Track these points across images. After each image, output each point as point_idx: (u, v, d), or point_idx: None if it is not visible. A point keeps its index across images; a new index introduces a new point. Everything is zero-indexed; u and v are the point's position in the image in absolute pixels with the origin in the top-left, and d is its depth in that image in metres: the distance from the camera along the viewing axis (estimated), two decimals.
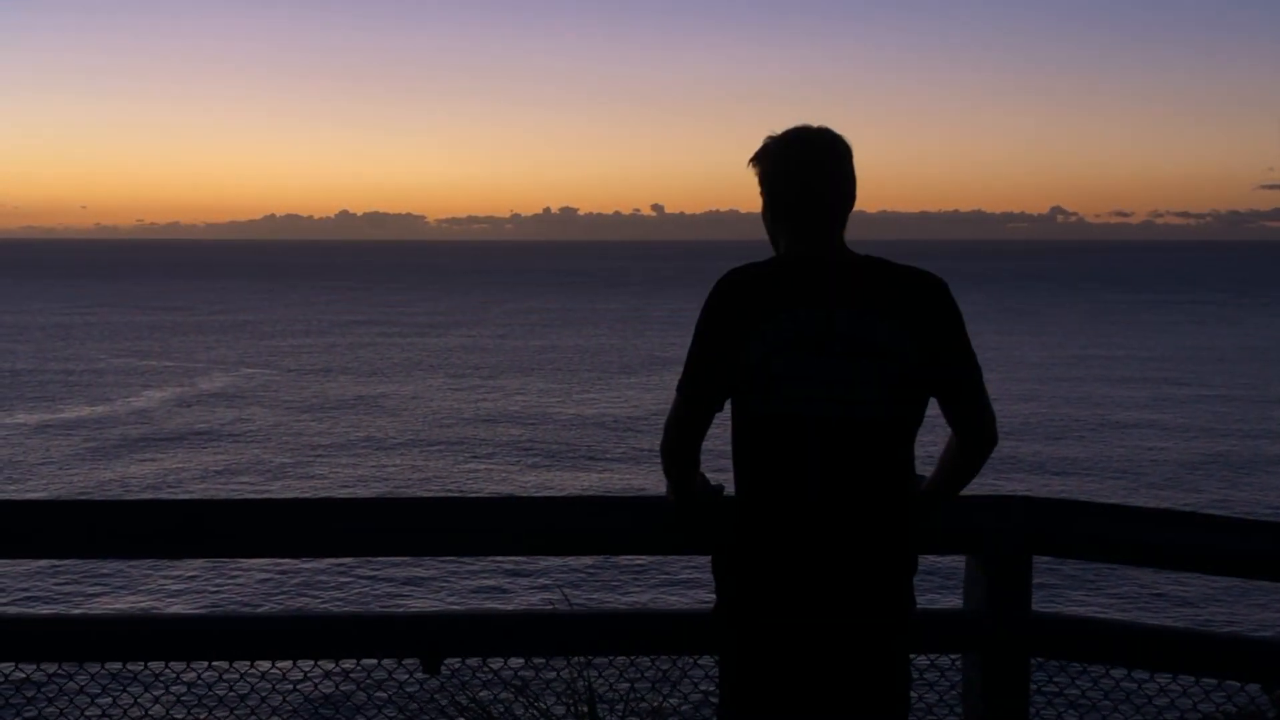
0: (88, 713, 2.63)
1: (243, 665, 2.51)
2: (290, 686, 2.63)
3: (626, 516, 2.54)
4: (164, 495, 17.78)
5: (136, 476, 19.36)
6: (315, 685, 2.65)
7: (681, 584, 12.34)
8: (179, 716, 2.67)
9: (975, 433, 2.26)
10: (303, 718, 2.86)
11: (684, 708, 2.73)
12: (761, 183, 2.33)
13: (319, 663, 2.51)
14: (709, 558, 2.39)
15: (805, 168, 2.27)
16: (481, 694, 2.83)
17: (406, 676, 2.58)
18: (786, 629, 2.20)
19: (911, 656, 2.34)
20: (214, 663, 2.50)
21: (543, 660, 2.62)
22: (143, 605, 12.15)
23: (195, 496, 17.62)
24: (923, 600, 2.34)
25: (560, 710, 2.83)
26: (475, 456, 21.37)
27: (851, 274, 2.22)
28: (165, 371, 34.16)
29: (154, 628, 2.53)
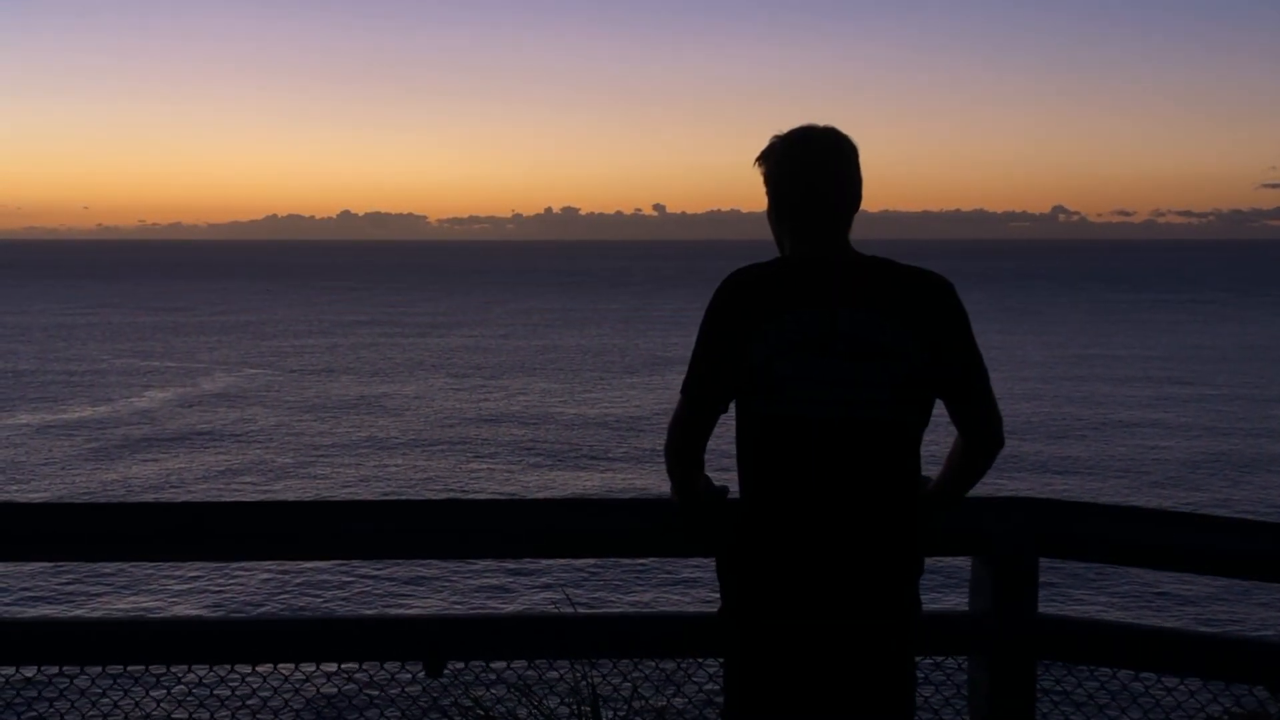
0: (88, 714, 2.62)
1: (244, 668, 2.49)
2: (292, 689, 2.61)
3: (630, 518, 2.53)
4: (166, 496, 17.79)
5: (139, 477, 19.36)
6: (317, 688, 2.64)
7: (685, 585, 12.33)
8: (180, 717, 2.66)
9: (981, 434, 2.25)
10: None
11: (688, 710, 2.72)
12: (767, 182, 2.32)
13: (321, 665, 2.50)
14: (713, 559, 2.37)
15: (810, 168, 2.26)
16: (484, 696, 2.82)
17: (409, 679, 2.57)
18: (791, 630, 2.18)
19: (917, 658, 2.33)
20: (215, 665, 2.48)
21: (546, 663, 2.60)
22: (144, 605, 12.14)
23: (197, 498, 17.62)
24: (928, 602, 2.32)
25: (564, 712, 2.82)
26: (477, 456, 21.36)
27: (856, 274, 2.20)
28: (167, 372, 34.17)
29: (154, 630, 2.52)
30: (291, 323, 53.30)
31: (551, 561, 12.34)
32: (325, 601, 12.30)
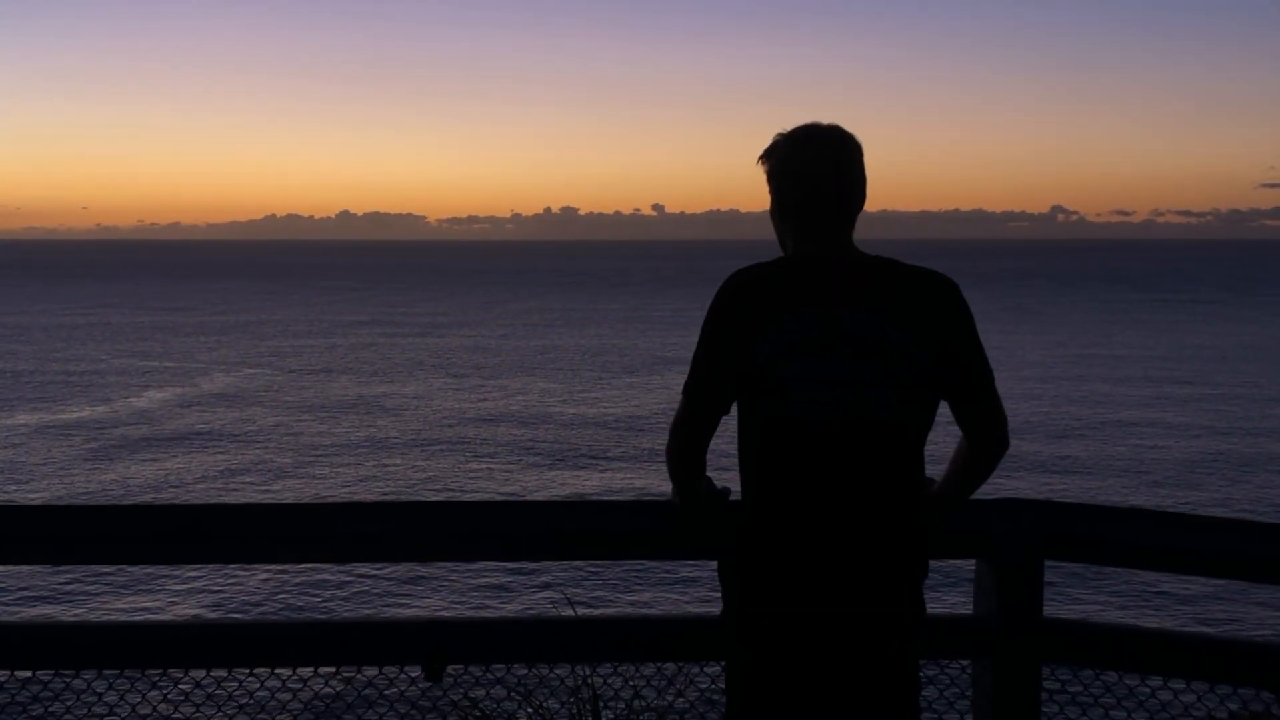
0: (87, 714, 2.60)
1: (241, 671, 2.47)
2: (290, 694, 2.59)
3: (631, 519, 2.51)
4: (165, 496, 17.77)
5: (137, 477, 19.34)
6: (315, 692, 2.62)
7: (686, 586, 12.31)
8: (180, 718, 2.64)
9: (986, 436, 2.23)
10: None
11: (689, 713, 2.70)
12: (770, 181, 2.30)
13: (319, 669, 2.48)
14: (715, 561, 2.35)
15: (814, 166, 2.23)
16: (484, 701, 2.80)
17: (408, 683, 2.55)
18: (794, 632, 2.17)
19: (921, 661, 2.31)
20: (211, 670, 2.46)
21: (546, 665, 2.58)
22: (143, 606, 12.12)
23: (196, 498, 17.60)
24: (932, 605, 2.30)
25: (564, 715, 2.80)
26: (477, 456, 21.34)
27: (860, 274, 2.18)
28: (166, 372, 34.14)
29: (151, 634, 2.50)
30: (291, 323, 53.27)
31: (551, 563, 12.31)
32: (324, 601, 12.28)
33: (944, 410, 2.22)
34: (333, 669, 2.49)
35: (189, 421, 25.01)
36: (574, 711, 2.77)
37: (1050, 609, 2.50)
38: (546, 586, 12.47)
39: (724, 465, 2.35)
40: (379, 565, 12.44)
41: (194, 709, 2.65)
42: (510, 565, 12.79)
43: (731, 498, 2.37)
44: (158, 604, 12.27)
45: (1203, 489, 18.59)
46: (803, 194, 2.24)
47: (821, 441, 2.14)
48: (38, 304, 64.85)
